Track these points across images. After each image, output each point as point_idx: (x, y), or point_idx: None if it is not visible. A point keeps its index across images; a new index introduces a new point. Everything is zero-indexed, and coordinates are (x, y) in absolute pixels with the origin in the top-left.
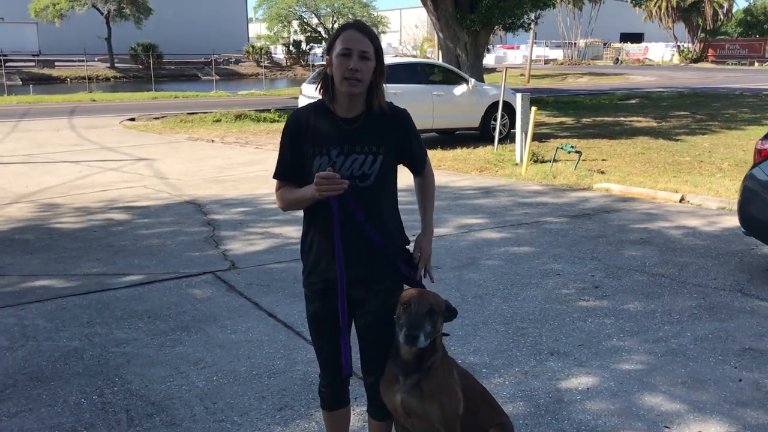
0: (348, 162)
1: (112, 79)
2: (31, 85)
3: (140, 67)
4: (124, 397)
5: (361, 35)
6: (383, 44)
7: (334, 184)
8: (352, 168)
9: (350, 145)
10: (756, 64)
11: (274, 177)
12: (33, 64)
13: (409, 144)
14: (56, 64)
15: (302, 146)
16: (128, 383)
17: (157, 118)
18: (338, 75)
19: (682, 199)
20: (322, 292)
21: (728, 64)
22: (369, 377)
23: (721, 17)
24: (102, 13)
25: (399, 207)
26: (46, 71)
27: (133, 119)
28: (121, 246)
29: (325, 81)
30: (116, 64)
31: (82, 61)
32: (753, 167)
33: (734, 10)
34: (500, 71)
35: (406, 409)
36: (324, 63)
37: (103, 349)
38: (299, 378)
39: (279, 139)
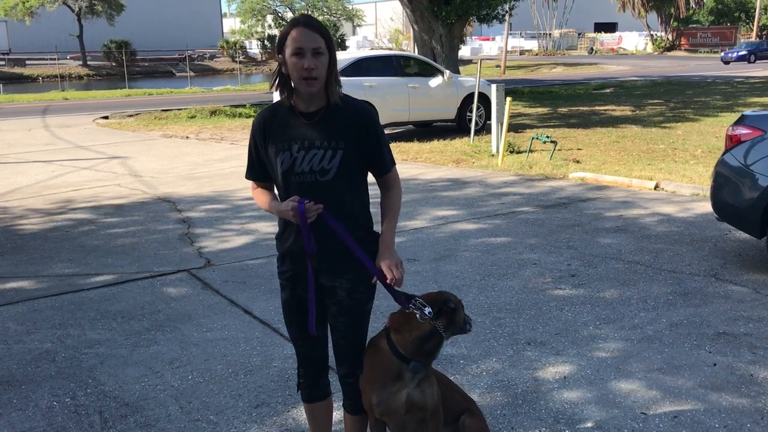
0: (308, 157)
1: (84, 77)
2: (1, 85)
3: (113, 64)
4: (98, 398)
5: (311, 32)
6: (359, 38)
7: (309, 211)
8: (312, 163)
9: (310, 139)
10: None
11: (246, 177)
12: (3, 63)
13: (368, 143)
14: (27, 62)
15: (267, 147)
16: (101, 384)
17: (131, 116)
18: (295, 75)
19: (656, 187)
20: (293, 280)
21: (700, 52)
22: (341, 369)
23: (693, 5)
24: (73, 11)
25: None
26: (17, 70)
27: (106, 117)
28: (94, 246)
29: (281, 78)
30: (89, 62)
31: (54, 59)
32: (724, 153)
33: None
34: (476, 63)
35: (409, 405)
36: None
37: (75, 351)
38: (276, 374)
39: None
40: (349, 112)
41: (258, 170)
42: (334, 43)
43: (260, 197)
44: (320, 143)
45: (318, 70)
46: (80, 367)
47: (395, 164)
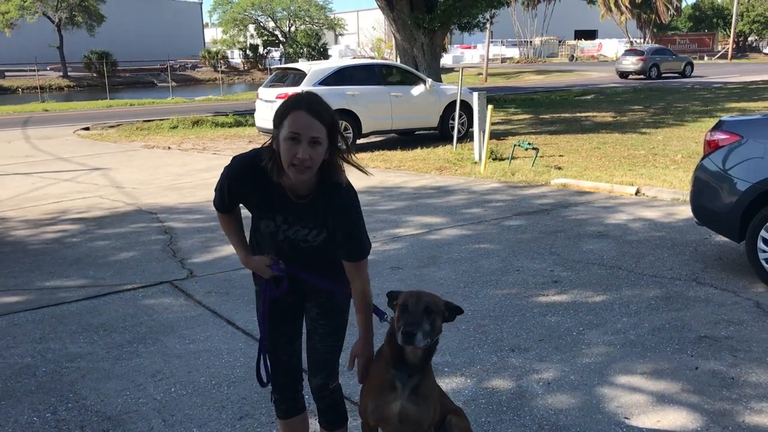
0: (292, 230)
1: (65, 89)
2: None
3: (94, 75)
4: (79, 413)
5: (312, 118)
6: (341, 47)
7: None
8: (296, 235)
9: (296, 217)
10: (705, 57)
11: (215, 206)
12: None
13: (340, 229)
14: (6, 74)
15: (247, 203)
16: (83, 399)
17: (112, 127)
18: (285, 159)
19: (637, 192)
20: (267, 284)
21: None
22: (315, 379)
23: (672, 12)
24: (53, 22)
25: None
26: None
27: (87, 128)
28: (76, 258)
29: (271, 155)
30: (69, 73)
31: (34, 70)
32: (703, 158)
33: (683, 6)
34: (458, 71)
35: (403, 417)
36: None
37: (56, 365)
38: (259, 386)
39: (237, 144)
40: (333, 201)
41: (228, 206)
42: (338, 128)
43: (224, 226)
44: (305, 223)
45: (312, 160)
46: (61, 381)
47: (366, 257)
